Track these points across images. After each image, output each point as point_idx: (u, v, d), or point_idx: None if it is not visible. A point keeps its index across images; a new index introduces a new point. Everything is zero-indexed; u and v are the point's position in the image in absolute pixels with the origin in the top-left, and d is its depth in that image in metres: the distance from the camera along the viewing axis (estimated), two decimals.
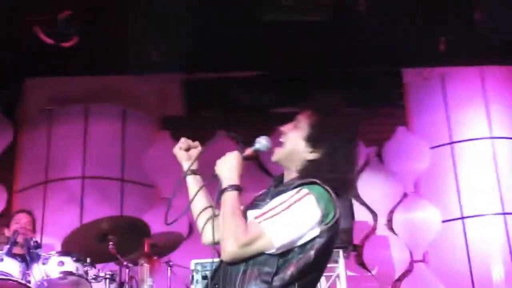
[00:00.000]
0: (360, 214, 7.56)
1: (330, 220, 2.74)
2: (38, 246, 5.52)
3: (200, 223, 3.13)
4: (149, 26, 6.71)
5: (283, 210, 2.70)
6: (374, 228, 7.80)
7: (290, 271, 2.69)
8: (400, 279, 7.60)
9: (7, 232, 6.30)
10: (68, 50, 6.70)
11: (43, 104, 8.02)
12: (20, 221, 6.24)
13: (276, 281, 2.68)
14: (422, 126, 8.03)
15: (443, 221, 7.64)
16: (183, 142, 3.25)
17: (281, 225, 2.68)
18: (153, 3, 6.54)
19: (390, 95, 8.08)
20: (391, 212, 7.83)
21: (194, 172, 3.19)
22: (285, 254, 2.70)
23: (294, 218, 2.69)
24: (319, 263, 2.77)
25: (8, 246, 5.52)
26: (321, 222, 2.72)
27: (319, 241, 2.73)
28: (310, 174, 2.84)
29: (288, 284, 2.69)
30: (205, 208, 3.12)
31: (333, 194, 2.78)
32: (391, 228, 7.79)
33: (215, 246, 2.99)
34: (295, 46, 7.13)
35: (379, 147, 8.01)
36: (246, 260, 2.70)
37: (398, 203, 7.85)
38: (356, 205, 7.34)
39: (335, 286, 6.68)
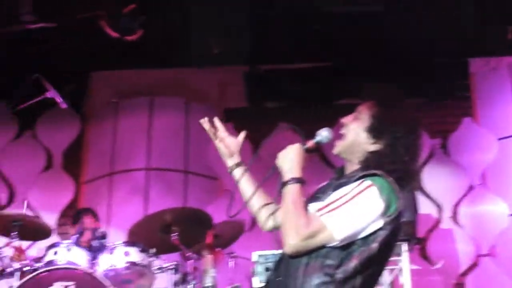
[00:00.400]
0: (424, 206, 7.45)
1: (393, 212, 2.71)
2: (104, 236, 5.64)
3: (260, 215, 3.18)
4: (211, 19, 6.73)
5: (345, 203, 2.68)
6: (438, 221, 7.70)
7: (353, 263, 2.68)
8: (465, 273, 7.49)
9: (72, 231, 6.41)
10: (132, 44, 6.77)
11: (108, 97, 8.16)
12: (86, 223, 6.34)
13: (339, 274, 2.67)
14: (489, 117, 7.88)
15: (511, 215, 7.49)
16: (206, 124, 3.29)
17: (344, 217, 2.66)
18: None
19: (456, 86, 7.94)
20: (457, 204, 7.71)
21: (238, 165, 3.23)
22: (347, 246, 2.69)
23: (357, 210, 2.67)
24: (382, 255, 2.75)
25: (75, 236, 5.65)
26: (384, 214, 2.70)
27: (382, 234, 2.71)
28: (372, 165, 2.82)
29: (351, 277, 2.68)
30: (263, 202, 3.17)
31: (395, 186, 2.75)
32: (456, 221, 7.67)
33: (274, 232, 3.09)
34: (357, 37, 7.07)
35: (444, 138, 7.90)
36: (308, 252, 2.70)
37: (464, 196, 7.73)
38: (420, 197, 7.26)
39: (398, 279, 6.63)
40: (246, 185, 3.20)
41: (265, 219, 3.11)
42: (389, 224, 2.71)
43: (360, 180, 2.74)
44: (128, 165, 7.83)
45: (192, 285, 5.50)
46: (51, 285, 4.95)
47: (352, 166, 2.92)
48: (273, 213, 3.07)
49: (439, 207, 7.73)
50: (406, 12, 6.66)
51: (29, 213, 7.25)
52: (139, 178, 7.74)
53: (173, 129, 7.83)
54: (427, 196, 7.68)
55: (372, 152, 2.87)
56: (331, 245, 2.67)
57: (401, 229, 2.82)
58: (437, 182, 7.72)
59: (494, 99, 7.86)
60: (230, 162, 3.24)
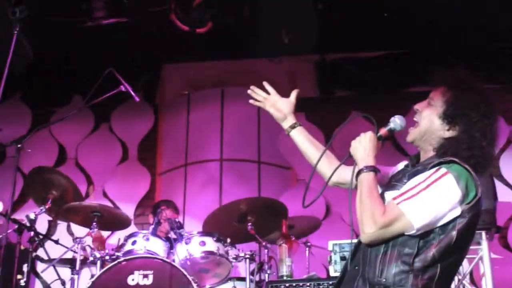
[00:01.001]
0: (503, 194, 7.31)
1: (471, 200, 2.68)
2: (181, 226, 5.71)
3: (324, 170, 3.19)
4: (281, 9, 6.71)
5: (421, 190, 2.66)
6: None
7: (431, 252, 2.66)
8: None
9: (150, 217, 6.51)
10: (203, 36, 6.81)
11: (181, 89, 8.22)
12: (165, 215, 6.41)
13: (417, 263, 2.66)
14: None
15: None
16: (262, 97, 3.32)
17: (420, 205, 2.64)
18: None
19: None
20: None
21: (295, 126, 3.25)
22: (425, 235, 2.67)
23: (434, 198, 2.65)
24: (461, 244, 2.72)
25: (153, 226, 5.74)
26: (462, 201, 2.67)
27: (461, 221, 2.68)
28: (447, 152, 2.79)
29: (430, 266, 2.67)
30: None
31: (473, 173, 2.72)
32: None
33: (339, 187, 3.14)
34: (429, 23, 6.97)
35: None
36: (386, 241, 2.70)
37: None
38: (499, 185, 7.14)
39: (478, 268, 6.53)
40: (306, 145, 3.22)
41: (329, 176, 3.08)
42: (468, 212, 2.68)
43: (436, 168, 2.71)
44: (202, 156, 7.88)
45: (268, 274, 5.53)
46: (131, 273, 5.05)
47: (427, 154, 2.90)
48: (336, 170, 3.04)
49: None
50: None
51: (108, 203, 7.38)
52: (213, 169, 7.78)
53: (245, 119, 7.86)
54: (506, 183, 7.52)
55: (447, 139, 2.83)
56: (408, 233, 2.66)
57: (480, 217, 2.79)
58: None
59: None
60: (285, 124, 3.27)
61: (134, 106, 7.72)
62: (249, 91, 3.33)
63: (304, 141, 3.22)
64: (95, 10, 6.55)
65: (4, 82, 3.86)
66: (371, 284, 2.69)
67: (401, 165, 3.05)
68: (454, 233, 2.68)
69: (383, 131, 2.94)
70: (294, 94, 3.30)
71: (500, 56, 7.34)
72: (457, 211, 2.67)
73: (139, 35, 7.17)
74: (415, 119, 2.93)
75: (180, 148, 8.01)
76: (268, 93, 3.32)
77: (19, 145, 6.44)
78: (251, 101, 3.35)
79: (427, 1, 6.58)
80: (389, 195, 2.77)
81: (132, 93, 6.30)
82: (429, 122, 2.88)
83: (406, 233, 2.66)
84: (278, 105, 3.28)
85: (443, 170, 2.69)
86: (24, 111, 8.29)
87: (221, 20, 6.72)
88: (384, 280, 2.67)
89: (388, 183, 2.92)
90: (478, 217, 2.76)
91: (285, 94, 3.33)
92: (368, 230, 2.68)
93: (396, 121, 2.94)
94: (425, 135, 2.90)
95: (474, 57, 7.05)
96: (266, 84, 3.33)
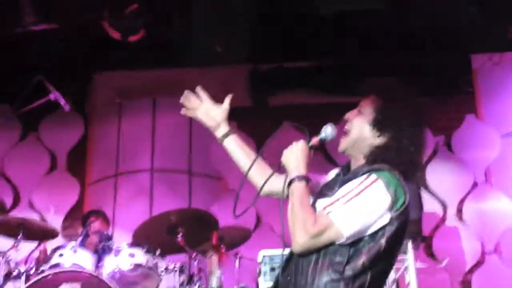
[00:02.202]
0: (429, 204, 7.45)
1: (400, 206, 2.70)
2: (110, 238, 5.64)
3: (256, 180, 3.13)
4: (212, 18, 6.72)
5: (351, 198, 2.67)
6: (443, 219, 7.70)
7: (361, 260, 2.67)
8: (471, 271, 7.48)
9: (73, 230, 6.42)
10: (134, 44, 6.78)
11: (111, 97, 8.14)
12: (94, 226, 6.33)
13: (348, 271, 2.66)
14: (493, 113, 7.87)
15: None
16: (195, 104, 3.25)
17: (350, 214, 2.65)
18: None
19: (458, 82, 7.93)
20: (461, 202, 7.71)
21: (228, 134, 3.20)
22: (356, 243, 2.68)
23: (364, 206, 2.66)
24: (390, 251, 2.75)
25: (81, 238, 5.65)
26: (391, 208, 2.69)
27: (390, 229, 2.70)
28: (378, 159, 2.81)
29: (360, 273, 2.67)
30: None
31: (402, 179, 2.75)
32: (461, 219, 7.67)
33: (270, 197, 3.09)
34: (358, 35, 7.06)
35: (447, 135, 7.90)
36: (317, 250, 2.69)
37: (468, 193, 7.73)
38: (425, 195, 7.26)
39: (404, 278, 6.63)
40: (238, 153, 3.18)
41: (261, 186, 3.05)
42: (397, 219, 2.71)
43: (366, 175, 2.73)
44: (132, 166, 7.84)
45: (198, 286, 5.50)
46: (57, 287, 4.97)
47: (358, 162, 2.91)
48: (268, 179, 3.00)
49: (443, 204, 7.72)
50: (407, 8, 6.63)
51: (35, 215, 7.25)
52: (144, 179, 7.74)
53: (176, 129, 7.83)
54: (432, 193, 7.68)
55: (377, 146, 2.85)
56: (339, 242, 2.67)
57: (408, 224, 2.81)
58: (441, 180, 7.73)
59: (497, 95, 7.85)
60: (218, 133, 3.21)
61: (63, 115, 7.60)
62: (182, 98, 3.25)
63: (237, 150, 3.18)
64: (25, 15, 6.44)
65: None
66: None
67: (332, 174, 3.05)
68: (383, 240, 2.70)
69: (314, 140, 2.93)
70: (227, 100, 3.24)
71: (427, 67, 7.47)
72: (386, 218, 2.69)
73: (70, 42, 7.08)
74: (345, 127, 2.95)
75: (111, 158, 7.93)
76: (200, 100, 3.27)
77: None
78: (182, 111, 3.28)
79: (361, 13, 6.63)
80: (320, 203, 2.76)
81: (62, 101, 6.20)
82: (360, 130, 2.90)
83: (337, 242, 2.67)
84: (211, 113, 3.23)
85: (373, 176, 2.71)
86: None
87: (153, 28, 6.68)
88: None
89: (320, 192, 2.91)
90: (406, 224, 2.78)
91: (217, 103, 3.30)
92: (300, 240, 2.68)
93: (328, 130, 2.94)
94: (356, 143, 2.91)
95: (401, 68, 7.13)
96: (199, 90, 3.27)
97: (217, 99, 3.28)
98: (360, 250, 2.68)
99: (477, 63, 7.90)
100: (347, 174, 2.91)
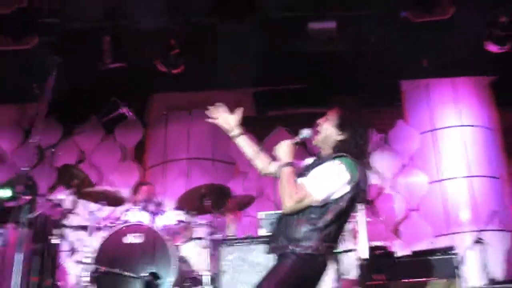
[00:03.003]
0: (373, 179, 7.45)
1: (355, 180, 2.72)
2: (161, 204, 5.65)
3: (258, 165, 3.14)
4: (233, 56, 6.68)
5: (323, 176, 2.70)
6: (382, 188, 7.67)
7: (329, 216, 2.70)
8: (400, 223, 7.48)
9: (136, 197, 6.40)
10: (177, 75, 6.75)
11: (161, 111, 8.11)
12: (146, 191, 6.32)
13: (320, 223, 2.69)
14: (414, 119, 7.86)
15: (429, 182, 7.49)
16: (217, 114, 3.22)
17: (322, 185, 2.68)
18: (233, 39, 6.49)
19: (393, 99, 7.91)
20: (394, 177, 7.69)
21: (239, 134, 3.17)
22: (325, 205, 2.71)
23: (331, 180, 2.69)
24: (348, 210, 2.77)
25: (142, 204, 5.65)
26: (350, 181, 2.71)
27: (348, 195, 2.73)
28: (340, 150, 2.83)
29: (328, 225, 2.70)
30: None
31: (356, 162, 2.76)
32: (394, 188, 7.65)
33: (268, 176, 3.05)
34: (327, 68, 7.02)
35: (385, 134, 7.87)
36: (299, 211, 2.70)
37: (399, 172, 7.71)
38: (370, 173, 7.23)
39: (356, 228, 6.61)
40: (247, 147, 3.16)
41: (262, 168, 3.10)
42: (353, 189, 2.72)
43: (333, 160, 2.74)
44: (175, 156, 7.78)
45: (221, 235, 5.50)
46: (126, 235, 4.98)
47: (326, 151, 2.93)
48: (267, 165, 3.06)
49: (383, 179, 7.69)
50: (361, 51, 6.61)
51: (112, 188, 7.28)
52: (183, 165, 7.69)
53: (205, 131, 7.76)
54: (375, 171, 7.65)
55: (339, 141, 2.88)
56: (314, 204, 2.67)
57: (361, 192, 2.82)
58: (381, 163, 7.70)
59: (417, 107, 7.84)
60: (232, 133, 3.18)
61: (130, 123, 7.60)
62: (209, 111, 3.25)
63: (245, 145, 3.18)
64: (105, 57, 6.44)
65: (44, 107, 3.76)
66: (290, 239, 2.71)
67: (309, 160, 3.07)
68: (344, 203, 2.72)
69: (297, 139, 2.94)
70: (239, 111, 3.24)
71: (373, 88, 7.42)
72: (347, 188, 2.71)
73: (134, 74, 7.06)
74: (317, 129, 2.95)
75: (161, 151, 7.89)
76: (221, 112, 3.25)
77: (53, 150, 6.28)
78: (209, 120, 3.27)
79: (326, 53, 6.57)
80: (301, 180, 2.78)
81: (129, 113, 6.19)
82: (327, 130, 2.92)
83: (312, 205, 2.67)
84: (227, 120, 3.21)
85: (337, 161, 2.73)
86: (56, 126, 8.05)
87: (189, 63, 6.65)
88: (298, 235, 2.68)
89: (301, 173, 2.92)
90: (360, 192, 2.80)
91: (232, 113, 3.28)
92: (288, 204, 2.70)
93: (305, 132, 2.97)
94: (325, 139, 2.93)
95: (356, 89, 7.07)
96: (220, 105, 3.27)
97: (232, 111, 3.28)
98: (328, 209, 2.71)
99: (404, 86, 7.89)
100: (319, 160, 2.93)
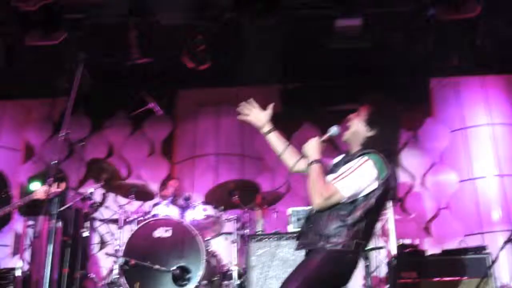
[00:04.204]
0: (403, 177, 7.42)
1: (384, 177, 2.72)
2: (190, 198, 5.72)
3: (288, 162, 3.12)
4: (257, 53, 6.69)
5: (351, 172, 2.71)
6: (412, 186, 7.61)
7: (358, 212, 2.71)
8: (430, 221, 7.41)
9: (164, 191, 6.49)
10: (204, 71, 6.79)
11: (190, 106, 8.16)
12: (173, 185, 6.41)
13: (349, 220, 2.70)
14: (443, 117, 7.77)
15: (460, 181, 7.41)
16: (248, 110, 3.21)
17: (350, 182, 2.69)
18: (259, 36, 6.50)
19: (422, 96, 7.81)
20: (424, 175, 7.61)
21: (271, 131, 3.17)
22: (354, 201, 2.72)
23: (358, 176, 2.69)
24: (378, 207, 2.77)
25: (171, 198, 5.73)
26: (378, 178, 2.71)
27: (377, 192, 2.73)
28: (368, 146, 2.83)
29: (358, 222, 2.71)
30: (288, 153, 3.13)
31: (385, 159, 2.76)
32: (424, 186, 7.58)
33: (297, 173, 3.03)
34: (355, 65, 6.98)
35: (414, 131, 7.80)
36: (328, 208, 2.72)
37: (429, 169, 7.63)
38: (400, 171, 7.20)
39: (386, 225, 6.59)
40: (277, 144, 3.16)
41: (292, 166, 3.06)
42: (382, 185, 2.74)
43: (361, 156, 2.76)
44: (204, 151, 7.83)
45: (248, 230, 5.55)
46: (156, 229, 5.05)
47: (355, 148, 2.94)
48: (297, 162, 3.02)
49: (412, 177, 7.63)
50: (387, 47, 6.56)
51: (141, 182, 7.37)
52: (212, 160, 7.74)
53: (233, 127, 7.81)
54: (405, 169, 7.60)
55: (368, 137, 2.88)
56: (343, 201, 2.69)
57: (390, 189, 2.81)
58: (411, 160, 7.63)
59: (445, 105, 7.76)
60: (264, 130, 3.18)
61: (159, 117, 7.67)
62: (239, 108, 3.25)
63: (276, 141, 3.19)
64: (132, 53, 6.51)
65: (72, 101, 3.84)
66: (320, 235, 2.73)
67: (338, 158, 3.08)
68: (373, 200, 2.73)
69: (325, 137, 2.96)
70: (270, 107, 3.23)
71: (403, 86, 7.36)
72: (375, 185, 2.72)
73: (161, 70, 7.12)
74: (348, 124, 2.96)
75: (190, 146, 7.95)
76: (253, 107, 3.25)
77: (82, 144, 6.40)
78: (239, 117, 3.26)
79: (350, 50, 6.53)
80: (330, 177, 2.81)
81: (157, 108, 6.29)
82: (357, 126, 2.93)
83: (341, 201, 2.69)
84: (259, 116, 3.21)
85: (365, 157, 2.74)
86: (85, 121, 8.17)
87: (216, 60, 6.69)
88: (327, 232, 2.70)
89: (330, 170, 2.95)
90: (389, 189, 2.80)
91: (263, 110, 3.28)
92: (317, 201, 2.72)
93: (333, 129, 2.99)
94: (354, 135, 2.94)
95: (388, 88, 7.02)
96: (251, 101, 3.27)
97: (260, 106, 3.29)
98: (357, 206, 2.72)
99: (433, 84, 7.81)
100: (348, 157, 2.94)
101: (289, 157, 3.12)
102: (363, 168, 2.71)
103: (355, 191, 2.69)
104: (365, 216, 2.71)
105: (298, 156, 3.04)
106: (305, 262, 2.74)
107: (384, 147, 2.81)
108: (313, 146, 2.88)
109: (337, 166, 2.90)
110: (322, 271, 2.66)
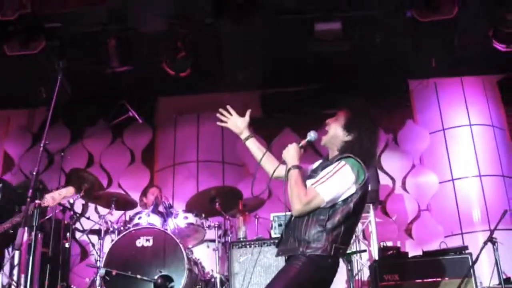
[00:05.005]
0: (383, 180, 7.46)
1: (362, 181, 2.74)
2: (171, 206, 5.69)
3: (267, 168, 3.12)
4: (237, 58, 6.68)
5: (329, 177, 2.72)
6: (393, 189, 7.68)
7: (337, 217, 2.72)
8: (411, 223, 7.48)
9: (145, 200, 6.44)
10: (184, 78, 6.76)
11: (170, 113, 8.14)
12: (154, 193, 6.38)
13: (329, 225, 2.71)
14: (423, 119, 7.87)
15: (440, 182, 7.49)
16: (226, 117, 3.22)
17: (329, 187, 2.70)
18: (239, 41, 6.49)
19: (401, 99, 7.91)
20: (404, 177, 7.69)
21: (249, 137, 3.17)
22: (333, 206, 2.73)
23: (337, 181, 2.70)
24: (356, 211, 2.78)
25: (152, 206, 5.70)
26: (355, 182, 2.72)
27: (355, 196, 2.74)
28: (346, 151, 2.84)
29: (337, 226, 2.72)
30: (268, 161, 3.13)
31: (362, 163, 2.77)
32: (404, 188, 7.66)
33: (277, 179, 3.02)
34: (332, 68, 7.03)
35: (394, 134, 7.87)
36: (308, 213, 2.73)
37: (409, 172, 7.71)
38: (380, 173, 7.26)
39: (368, 228, 6.64)
40: (256, 150, 3.16)
41: (271, 172, 3.04)
42: (360, 190, 2.75)
43: (338, 161, 2.77)
44: (184, 158, 7.82)
45: (230, 237, 5.54)
46: (138, 238, 5.01)
47: (333, 153, 2.95)
48: (276, 168, 3.01)
49: (393, 179, 7.70)
50: (366, 49, 6.62)
51: (121, 192, 7.31)
52: (192, 167, 7.73)
53: (213, 133, 7.81)
54: (385, 172, 7.66)
55: (346, 142, 2.90)
56: (322, 206, 2.70)
57: (368, 194, 2.84)
58: (391, 163, 7.72)
59: (426, 107, 7.84)
60: (242, 136, 3.19)
61: (139, 126, 7.65)
62: (218, 114, 3.25)
63: (255, 147, 3.19)
64: (112, 61, 6.46)
65: (51, 111, 3.79)
66: (299, 240, 2.74)
67: (317, 163, 3.09)
68: (351, 204, 2.74)
69: (303, 142, 2.97)
70: (247, 113, 3.23)
71: (381, 88, 7.43)
72: (353, 189, 2.73)
73: (141, 77, 7.09)
74: (326, 128, 2.98)
75: (170, 154, 7.93)
76: (231, 114, 3.26)
77: (62, 154, 6.33)
78: (218, 123, 3.26)
79: (328, 53, 6.58)
80: (309, 182, 2.81)
81: (137, 117, 6.26)
82: (335, 130, 2.94)
83: (321, 206, 2.70)
84: (237, 123, 3.21)
85: (342, 162, 2.76)
86: (65, 131, 8.11)
87: (196, 66, 6.67)
88: (307, 237, 2.71)
89: (309, 175, 2.96)
90: (367, 193, 2.82)
91: (240, 115, 3.28)
92: (297, 206, 2.73)
93: (311, 134, 2.98)
94: (332, 139, 2.95)
95: (364, 89, 7.09)
96: (229, 108, 3.28)
97: (240, 113, 3.29)
98: (336, 211, 2.73)
99: (412, 86, 7.90)
100: (326, 162, 2.95)
101: (268, 163, 3.12)
102: (340, 173, 2.72)
103: (334, 196, 2.70)
104: (344, 221, 2.72)
105: (277, 162, 3.04)
106: (285, 268, 2.74)
107: (362, 152, 2.82)
108: (291, 152, 2.89)
109: (315, 171, 2.91)
110: (303, 277, 2.66)
